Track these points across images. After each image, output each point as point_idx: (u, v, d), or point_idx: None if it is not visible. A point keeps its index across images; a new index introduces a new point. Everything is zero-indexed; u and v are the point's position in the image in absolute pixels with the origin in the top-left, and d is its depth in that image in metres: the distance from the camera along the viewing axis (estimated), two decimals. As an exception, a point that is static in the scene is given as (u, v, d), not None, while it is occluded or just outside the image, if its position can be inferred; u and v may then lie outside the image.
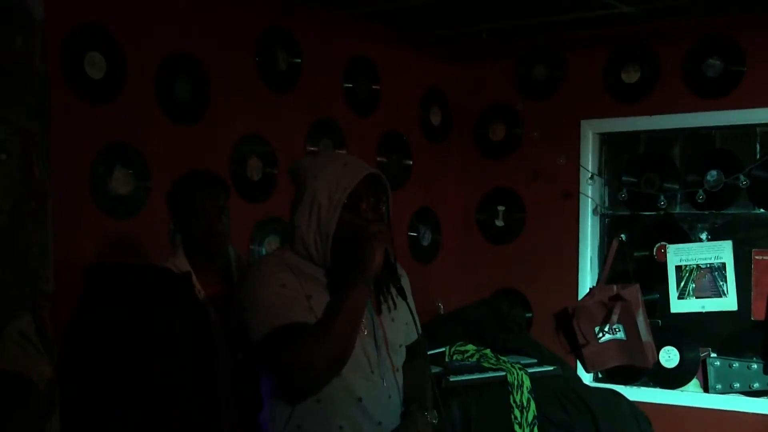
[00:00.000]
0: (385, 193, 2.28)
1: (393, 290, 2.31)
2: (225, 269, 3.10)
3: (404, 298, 2.25)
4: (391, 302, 2.33)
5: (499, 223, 5.27)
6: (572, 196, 4.97)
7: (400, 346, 2.36)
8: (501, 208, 5.25)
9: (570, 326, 4.84)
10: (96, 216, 3.56)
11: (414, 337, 2.44)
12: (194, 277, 2.95)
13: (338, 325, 2.12)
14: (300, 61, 4.41)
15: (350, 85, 4.73)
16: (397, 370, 2.33)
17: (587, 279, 4.96)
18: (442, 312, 5.12)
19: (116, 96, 3.64)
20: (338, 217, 2.19)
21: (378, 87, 4.88)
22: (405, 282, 2.40)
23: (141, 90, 3.73)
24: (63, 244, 3.38)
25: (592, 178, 4.90)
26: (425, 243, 5.26)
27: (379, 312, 2.31)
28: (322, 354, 2.11)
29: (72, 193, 3.45)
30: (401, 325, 2.35)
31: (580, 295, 4.91)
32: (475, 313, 4.76)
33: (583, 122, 4.94)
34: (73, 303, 2.84)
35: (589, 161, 4.94)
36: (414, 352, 2.44)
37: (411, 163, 5.12)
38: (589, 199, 4.94)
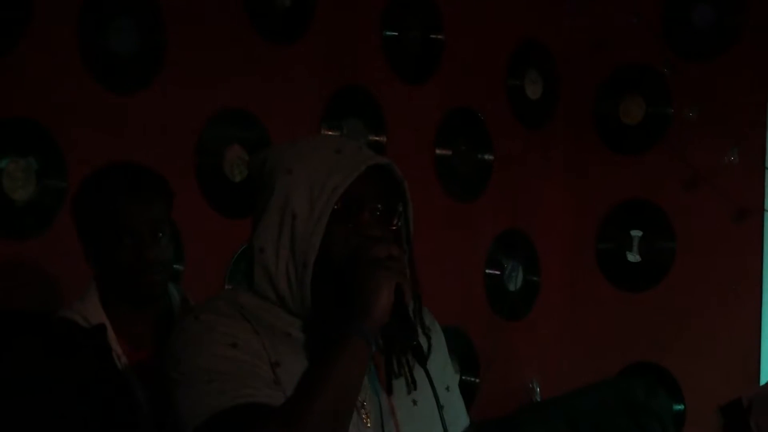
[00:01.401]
0: (401, 198, 2.26)
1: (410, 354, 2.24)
2: (162, 321, 3.04)
3: (422, 363, 2.17)
4: (408, 374, 2.27)
5: (634, 257, 5.27)
6: (752, 214, 4.99)
7: None
8: (637, 233, 5.25)
9: (746, 427, 4.79)
10: (-23, 234, 3.59)
11: (461, 423, 2.44)
12: (111, 333, 2.93)
13: (319, 406, 2.06)
14: None
15: (394, 34, 4.74)
16: None
17: (775, 351, 4.93)
18: (537, 398, 5.12)
19: (14, 45, 3.62)
20: (323, 233, 2.16)
21: (440, 37, 4.90)
22: (436, 339, 2.37)
23: (54, 35, 3.72)
24: None
25: (783, 185, 4.92)
26: (513, 287, 5.28)
27: (389, 390, 2.26)
28: None
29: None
30: (431, 411, 2.24)
31: (764, 379, 4.90)
32: (591, 401, 4.63)
33: (773, 96, 4.95)
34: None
35: (779, 158, 4.96)
36: None
37: (492, 158, 5.14)
38: (780, 220, 4.92)
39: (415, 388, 2.27)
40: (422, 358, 2.17)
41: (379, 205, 2.21)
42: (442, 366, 2.37)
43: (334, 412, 2.08)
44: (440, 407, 2.18)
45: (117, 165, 3.10)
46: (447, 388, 2.36)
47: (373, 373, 2.22)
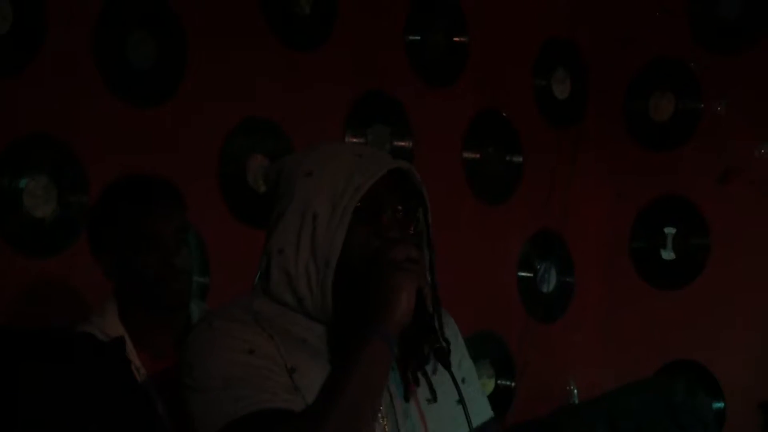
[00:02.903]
0: (420, 200, 2.26)
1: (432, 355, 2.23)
2: (181, 334, 3.01)
3: (446, 365, 2.16)
4: (428, 382, 2.27)
5: (668, 254, 5.24)
6: None
7: None
8: (670, 230, 5.22)
9: (788, 425, 4.78)
10: (-1, 252, 3.59)
11: (483, 415, 2.43)
12: (130, 346, 2.92)
13: (341, 410, 2.07)
14: (334, 0, 4.43)
15: (417, 39, 4.73)
16: None
17: (816, 346, 4.89)
18: (575, 400, 5.08)
19: (30, 61, 3.63)
20: (345, 233, 2.17)
21: (464, 40, 4.90)
22: (452, 334, 2.38)
23: (71, 50, 3.73)
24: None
25: (818, 178, 4.86)
26: (547, 289, 5.26)
27: (406, 397, 2.25)
28: None
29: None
30: (450, 410, 2.28)
31: None
32: (630, 401, 4.60)
33: (806, 87, 4.95)
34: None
35: (815, 151, 4.91)
36: None
37: (521, 160, 5.13)
38: (817, 215, 4.91)
39: (435, 401, 2.27)
40: (446, 362, 2.16)
41: (400, 207, 2.21)
42: (458, 360, 2.37)
43: (356, 417, 2.09)
44: (466, 408, 2.19)
45: (131, 177, 3.11)
46: (462, 380, 2.34)
47: (396, 376, 2.23)
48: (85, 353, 2.79)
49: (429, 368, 2.29)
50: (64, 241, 3.67)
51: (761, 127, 4.90)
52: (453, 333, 2.39)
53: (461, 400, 2.20)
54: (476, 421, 2.34)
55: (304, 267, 2.18)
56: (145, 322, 3.03)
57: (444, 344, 2.18)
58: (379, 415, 2.20)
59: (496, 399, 4.80)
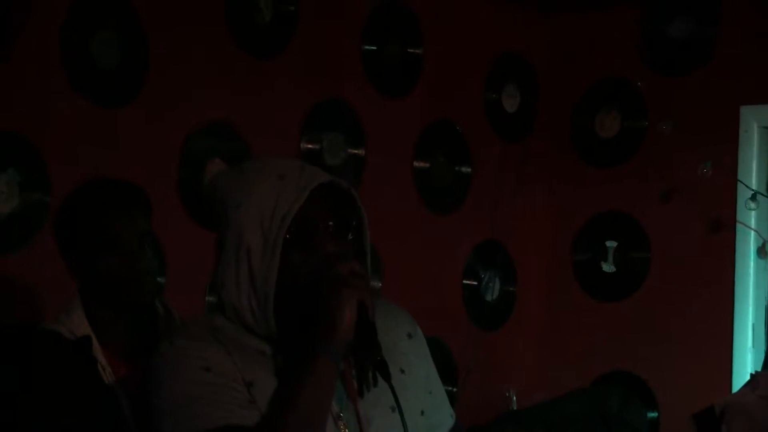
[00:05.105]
0: (354, 211, 2.25)
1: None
2: (146, 333, 3.06)
3: (386, 377, 2.18)
4: (371, 378, 2.28)
5: (608, 267, 5.28)
6: (724, 226, 4.99)
7: None
8: (612, 243, 5.27)
9: (718, 435, 4.79)
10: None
11: (446, 425, 2.42)
12: (96, 345, 2.93)
13: (291, 426, 2.09)
14: (294, 9, 4.44)
15: (373, 48, 4.75)
16: None
17: (746, 360, 4.96)
18: (514, 407, 5.10)
19: None
20: (280, 263, 2.17)
21: (419, 52, 4.92)
22: (418, 345, 2.37)
23: (37, 50, 3.72)
24: None
25: (754, 198, 4.87)
26: (490, 298, 5.28)
27: (360, 393, 2.27)
28: None
29: None
30: (413, 416, 2.28)
31: (735, 387, 4.90)
32: (566, 410, 4.73)
33: (743, 110, 4.97)
34: None
35: (752, 172, 4.97)
36: None
37: (470, 171, 5.15)
38: (752, 233, 4.95)
39: (375, 385, 2.26)
40: (386, 375, 2.17)
41: (331, 222, 2.21)
42: (425, 372, 2.37)
43: (307, 429, 2.12)
44: (404, 421, 2.19)
45: (101, 180, 3.15)
46: (430, 392, 2.36)
47: (343, 389, 2.22)
48: (52, 351, 2.84)
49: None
50: (24, 238, 3.66)
51: (704, 146, 4.94)
52: (419, 345, 2.38)
53: (399, 412, 2.19)
54: (443, 430, 2.39)
55: (246, 300, 2.19)
56: (110, 322, 3.02)
57: (382, 357, 2.17)
58: (339, 421, 2.21)
59: (438, 404, 4.83)
